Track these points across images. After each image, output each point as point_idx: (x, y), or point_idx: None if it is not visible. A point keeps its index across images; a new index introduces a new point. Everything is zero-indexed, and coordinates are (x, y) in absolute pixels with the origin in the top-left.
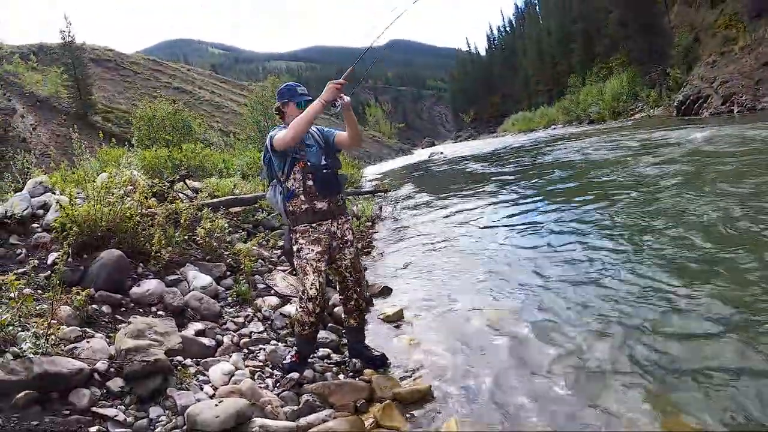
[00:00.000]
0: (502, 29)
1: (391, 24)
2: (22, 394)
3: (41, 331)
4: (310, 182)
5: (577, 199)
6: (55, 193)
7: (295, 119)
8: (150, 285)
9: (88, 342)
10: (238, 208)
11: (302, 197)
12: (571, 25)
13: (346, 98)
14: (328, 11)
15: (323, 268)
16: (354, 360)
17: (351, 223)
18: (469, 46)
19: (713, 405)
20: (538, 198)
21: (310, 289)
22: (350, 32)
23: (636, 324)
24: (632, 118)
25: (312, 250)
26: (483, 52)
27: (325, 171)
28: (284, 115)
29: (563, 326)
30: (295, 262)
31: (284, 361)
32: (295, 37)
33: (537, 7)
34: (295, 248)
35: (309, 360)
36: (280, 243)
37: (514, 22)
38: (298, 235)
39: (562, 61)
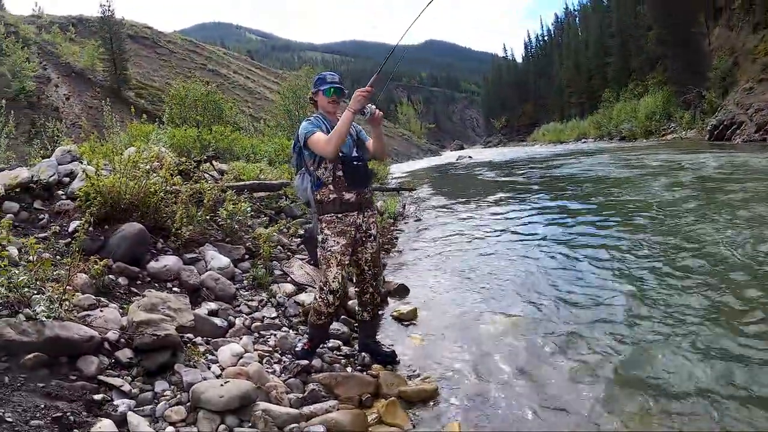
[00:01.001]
0: (540, 37)
1: (411, 24)
2: (32, 355)
3: (56, 296)
4: (340, 173)
5: (601, 216)
6: (82, 163)
7: (331, 133)
8: (168, 261)
9: (101, 311)
10: (262, 193)
11: (331, 187)
12: (610, 39)
13: (378, 112)
14: (373, 8)
15: (347, 262)
16: (363, 354)
17: (376, 217)
18: (506, 52)
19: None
20: (562, 212)
21: (333, 282)
22: (388, 29)
23: (648, 343)
24: (664, 138)
25: (337, 242)
26: (519, 59)
27: (355, 163)
28: (316, 104)
29: (576, 340)
30: (319, 253)
31: (296, 348)
32: (333, 30)
33: (577, 19)
34: (320, 238)
35: (319, 350)
36: (301, 231)
37: (552, 32)
38: (324, 225)
39: (598, 75)
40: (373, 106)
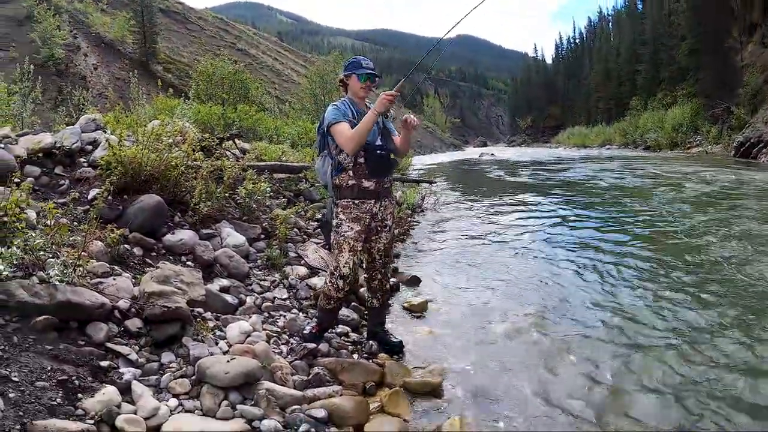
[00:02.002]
0: (572, 40)
1: (458, 23)
2: (42, 317)
3: (70, 261)
4: (362, 159)
5: (622, 224)
6: (106, 132)
7: (354, 131)
8: (184, 235)
9: (114, 279)
10: (282, 175)
11: (350, 173)
12: (642, 46)
13: (414, 120)
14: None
15: (359, 248)
16: (371, 342)
17: (394, 208)
18: (536, 52)
19: None
20: (582, 218)
21: (344, 267)
22: (424, 21)
23: (663, 350)
24: (689, 151)
25: (351, 228)
26: (549, 60)
27: (378, 152)
28: (347, 87)
29: (585, 343)
30: (333, 237)
31: (304, 331)
32: (365, 17)
33: (610, 24)
34: (334, 222)
35: (327, 334)
36: (318, 216)
37: (584, 35)
38: (339, 210)
39: (628, 82)
40: (415, 119)
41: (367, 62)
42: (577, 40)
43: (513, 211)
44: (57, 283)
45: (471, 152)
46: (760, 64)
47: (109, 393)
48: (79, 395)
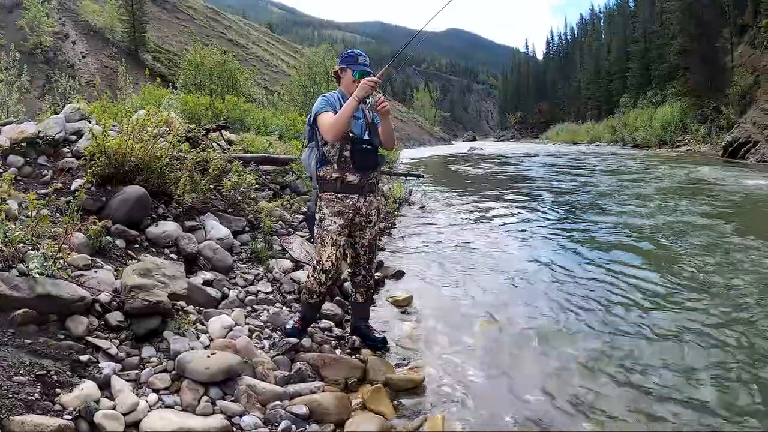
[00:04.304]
0: (563, 36)
1: (437, 13)
2: (21, 311)
3: (50, 253)
4: (347, 153)
5: (609, 219)
6: (91, 122)
7: (335, 117)
8: (168, 227)
9: (95, 272)
10: (268, 167)
11: (335, 166)
12: (632, 45)
13: (384, 104)
14: None
15: (342, 242)
16: (354, 337)
17: (380, 203)
18: (527, 48)
19: None
20: (569, 213)
21: (326, 261)
22: (417, 14)
23: (648, 340)
24: (677, 149)
25: (334, 222)
26: (540, 57)
27: (364, 146)
28: (340, 80)
29: (570, 337)
30: (315, 231)
31: (286, 326)
32: (357, 9)
33: (601, 21)
34: (317, 216)
35: (310, 329)
36: (304, 208)
37: (576, 31)
38: (322, 204)
39: (618, 79)
40: (379, 95)
41: (364, 58)
42: (568, 37)
43: (500, 206)
44: (37, 275)
45: (460, 146)
46: (750, 65)
47: (87, 388)
48: (58, 390)
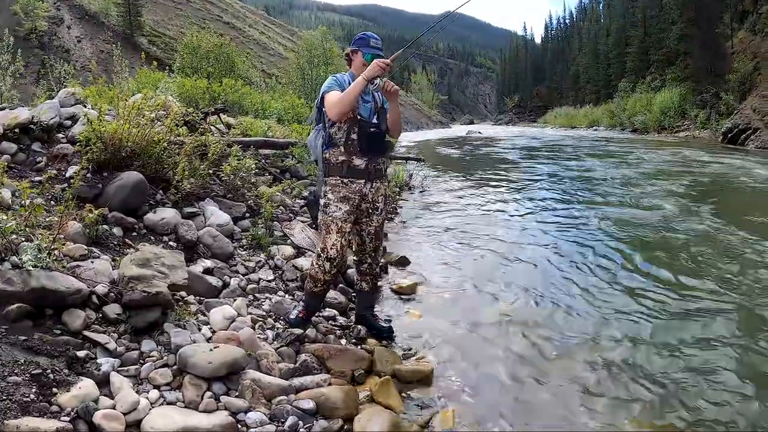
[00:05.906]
0: (561, 20)
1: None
2: (15, 306)
3: (45, 245)
4: (355, 136)
5: (612, 207)
6: (86, 107)
7: (342, 95)
8: (166, 214)
9: (92, 262)
10: (268, 151)
11: (342, 148)
12: (632, 29)
13: (393, 86)
14: None
15: (348, 229)
16: (359, 327)
17: (386, 190)
18: (525, 31)
19: None
20: (571, 200)
21: (331, 249)
22: None
23: (654, 336)
24: (676, 134)
25: (339, 208)
26: (538, 40)
27: (372, 129)
28: (351, 62)
29: (575, 325)
30: (320, 217)
31: (290, 316)
32: None
33: (600, 5)
34: (322, 202)
35: (314, 318)
36: (305, 193)
37: (575, 15)
38: (328, 189)
39: (616, 64)
40: (394, 86)
41: (376, 41)
42: (567, 21)
43: (501, 189)
44: (31, 268)
45: (458, 130)
46: (750, 51)
47: (85, 387)
48: (54, 390)
